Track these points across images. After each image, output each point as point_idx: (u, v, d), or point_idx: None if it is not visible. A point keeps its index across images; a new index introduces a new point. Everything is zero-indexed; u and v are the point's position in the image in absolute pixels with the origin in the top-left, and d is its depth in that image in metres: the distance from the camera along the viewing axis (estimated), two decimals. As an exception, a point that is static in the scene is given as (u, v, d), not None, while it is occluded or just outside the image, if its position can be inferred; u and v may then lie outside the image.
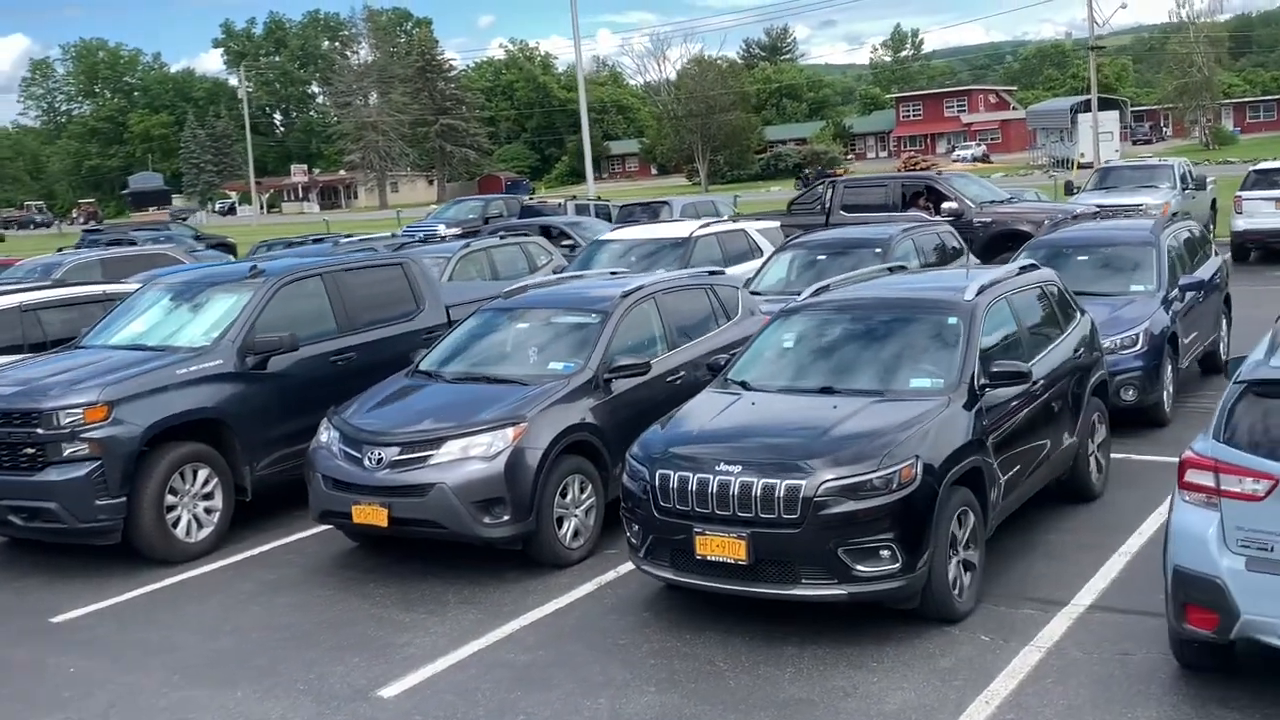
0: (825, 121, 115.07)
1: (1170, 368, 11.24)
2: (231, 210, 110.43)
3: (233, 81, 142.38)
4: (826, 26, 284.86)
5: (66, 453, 8.60)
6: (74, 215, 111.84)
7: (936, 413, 7.12)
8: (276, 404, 9.70)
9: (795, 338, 8.36)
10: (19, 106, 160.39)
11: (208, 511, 9.29)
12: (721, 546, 6.78)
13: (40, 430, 8.60)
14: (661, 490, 7.02)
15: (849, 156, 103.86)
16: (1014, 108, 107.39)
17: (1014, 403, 7.79)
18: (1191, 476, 5.74)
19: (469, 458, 8.07)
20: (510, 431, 8.13)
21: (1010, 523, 8.08)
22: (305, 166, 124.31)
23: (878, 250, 13.56)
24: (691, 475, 6.92)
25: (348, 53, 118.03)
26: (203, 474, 9.24)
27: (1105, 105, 62.71)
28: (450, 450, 8.11)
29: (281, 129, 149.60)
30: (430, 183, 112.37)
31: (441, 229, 31.19)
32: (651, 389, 9.11)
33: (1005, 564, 7.80)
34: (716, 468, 6.86)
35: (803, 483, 6.61)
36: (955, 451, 6.98)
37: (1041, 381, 8.16)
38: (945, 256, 14.89)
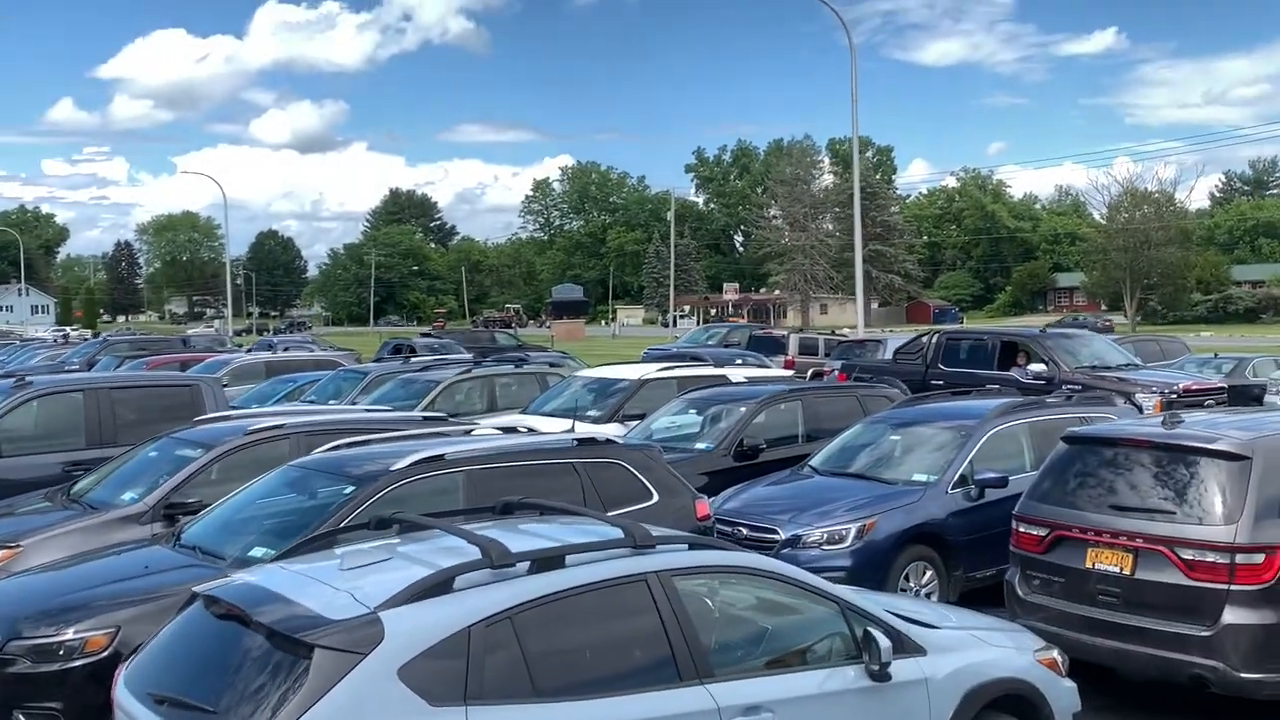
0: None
1: (920, 579, 9.91)
2: (674, 323, 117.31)
3: (699, 204, 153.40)
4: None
5: None
6: (542, 317, 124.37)
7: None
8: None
9: None
10: (519, 220, 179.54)
11: None
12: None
13: None
14: None
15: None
16: None
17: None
18: None
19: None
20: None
21: None
22: (736, 285, 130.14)
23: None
24: None
25: (808, 176, 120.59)
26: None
27: None
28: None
29: (741, 249, 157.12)
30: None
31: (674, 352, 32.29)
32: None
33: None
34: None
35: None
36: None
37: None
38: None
